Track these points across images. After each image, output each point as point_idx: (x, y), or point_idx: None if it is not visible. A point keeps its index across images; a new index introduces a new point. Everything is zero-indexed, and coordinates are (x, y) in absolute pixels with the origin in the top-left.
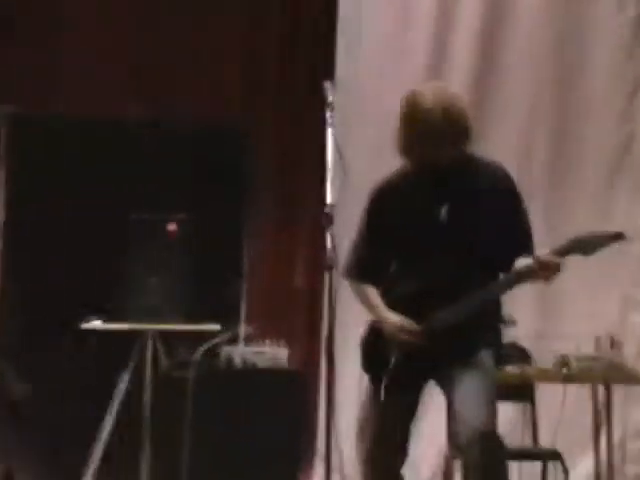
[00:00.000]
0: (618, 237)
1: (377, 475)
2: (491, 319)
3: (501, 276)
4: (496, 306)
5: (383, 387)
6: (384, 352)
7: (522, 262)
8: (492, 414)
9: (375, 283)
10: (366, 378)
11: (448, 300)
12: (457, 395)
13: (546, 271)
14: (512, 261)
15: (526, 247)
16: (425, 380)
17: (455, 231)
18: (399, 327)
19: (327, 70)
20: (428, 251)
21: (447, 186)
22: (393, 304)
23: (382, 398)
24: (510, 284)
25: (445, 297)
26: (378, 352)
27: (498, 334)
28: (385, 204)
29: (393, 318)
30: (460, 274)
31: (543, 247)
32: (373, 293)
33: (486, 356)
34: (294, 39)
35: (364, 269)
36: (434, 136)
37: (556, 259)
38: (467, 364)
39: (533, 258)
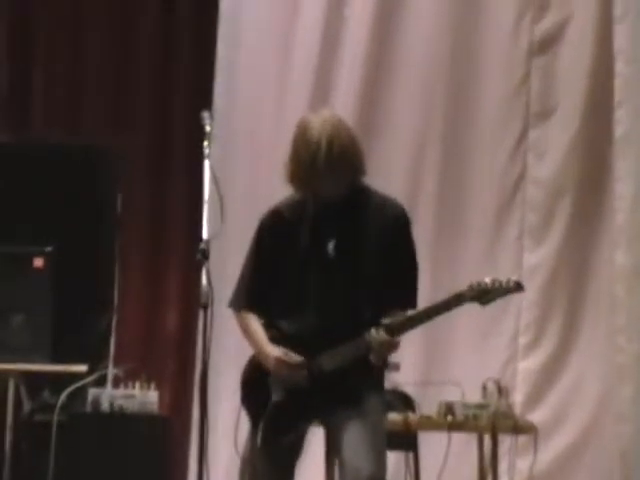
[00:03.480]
0: (517, 288)
1: None
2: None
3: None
4: None
5: (261, 428)
6: (265, 389)
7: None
8: (381, 462)
9: (261, 314)
10: (240, 421)
11: (334, 338)
12: (345, 441)
13: (381, 351)
14: (392, 309)
15: (407, 300)
16: (309, 420)
17: (342, 268)
18: (280, 360)
19: (204, 100)
20: (315, 286)
21: (335, 220)
22: (277, 339)
23: (259, 440)
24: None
25: (331, 334)
26: (259, 389)
27: (382, 378)
28: (273, 235)
29: (274, 351)
30: (347, 312)
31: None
32: (256, 325)
33: (375, 400)
34: (170, 68)
35: (252, 300)
36: (318, 171)
37: (392, 340)
38: (355, 408)
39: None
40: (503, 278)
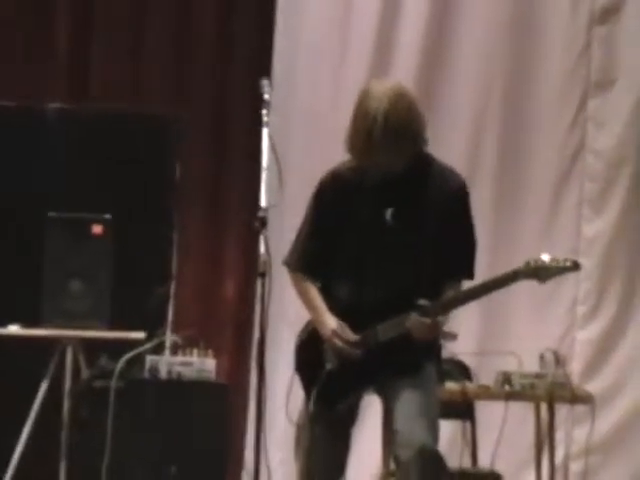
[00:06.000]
0: (574, 267)
1: None
2: None
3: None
4: None
5: (313, 396)
6: (319, 355)
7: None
8: (434, 432)
9: (317, 277)
10: (296, 389)
11: (390, 308)
12: (398, 410)
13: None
14: (449, 280)
15: (464, 271)
16: (364, 387)
17: (400, 237)
18: (336, 334)
19: (263, 69)
20: (372, 254)
21: (395, 188)
22: (332, 305)
23: (311, 407)
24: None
25: (385, 304)
26: (313, 355)
27: (439, 348)
28: (332, 198)
29: (332, 323)
30: (403, 282)
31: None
32: (315, 292)
33: (430, 370)
34: (229, 37)
35: (308, 262)
36: (374, 144)
37: (428, 321)
38: (410, 377)
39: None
40: (560, 256)
